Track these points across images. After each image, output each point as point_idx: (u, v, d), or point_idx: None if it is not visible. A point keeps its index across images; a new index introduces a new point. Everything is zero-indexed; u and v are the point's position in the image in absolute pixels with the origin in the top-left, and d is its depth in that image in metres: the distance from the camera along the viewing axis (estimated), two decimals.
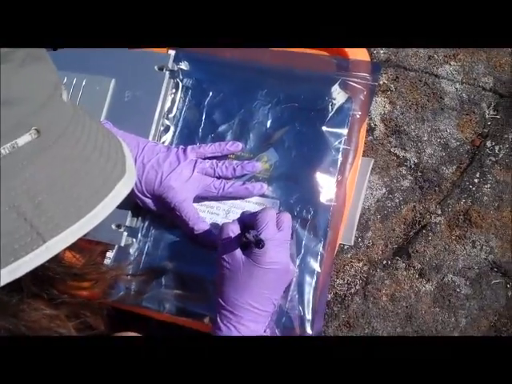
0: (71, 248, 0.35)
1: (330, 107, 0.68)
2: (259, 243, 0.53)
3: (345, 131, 0.67)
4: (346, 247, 0.86)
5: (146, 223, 0.68)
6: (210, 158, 0.66)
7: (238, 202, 0.65)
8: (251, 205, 0.66)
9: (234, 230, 0.58)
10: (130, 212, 0.66)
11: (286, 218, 0.59)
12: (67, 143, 0.37)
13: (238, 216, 0.62)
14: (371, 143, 0.91)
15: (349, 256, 0.87)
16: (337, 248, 0.67)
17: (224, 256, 0.57)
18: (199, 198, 0.66)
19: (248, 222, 0.58)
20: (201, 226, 0.63)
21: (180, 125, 0.71)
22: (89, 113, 0.42)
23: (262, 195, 0.65)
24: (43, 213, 0.34)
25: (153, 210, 0.65)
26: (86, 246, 0.61)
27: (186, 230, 0.64)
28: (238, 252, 0.56)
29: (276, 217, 0.58)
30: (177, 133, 0.70)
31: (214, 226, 0.65)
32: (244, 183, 0.65)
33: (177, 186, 0.62)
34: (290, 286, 0.61)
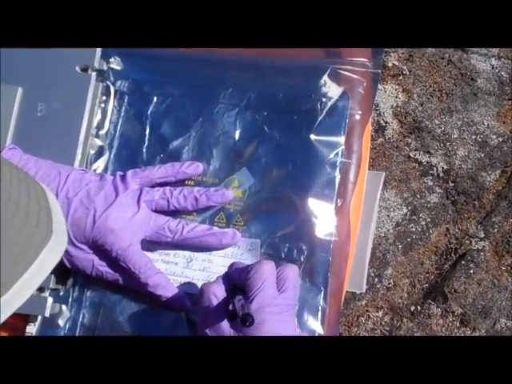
0: None
1: (318, 107, 0.68)
2: (246, 320, 0.51)
3: (341, 139, 0.67)
4: (358, 293, 0.85)
5: (79, 283, 0.67)
6: (161, 186, 0.66)
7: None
8: (220, 251, 0.66)
9: (218, 294, 0.57)
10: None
11: (291, 272, 0.59)
12: None
13: (210, 271, 0.62)
14: (382, 147, 0.90)
15: (363, 304, 0.86)
16: (343, 297, 0.67)
17: (206, 330, 0.57)
18: (148, 244, 0.66)
19: (237, 279, 0.58)
20: (156, 280, 0.63)
21: (116, 144, 0.70)
22: None
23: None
24: None
25: (85, 267, 0.64)
26: None
27: (138, 287, 0.64)
28: (225, 325, 0.56)
29: (277, 272, 0.58)
30: (112, 155, 0.70)
31: (174, 279, 0.66)
32: (211, 228, 0.65)
33: (117, 226, 0.62)
34: None
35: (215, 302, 0.57)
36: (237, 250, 0.66)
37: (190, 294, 0.64)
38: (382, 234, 0.81)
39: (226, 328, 0.56)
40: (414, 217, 0.82)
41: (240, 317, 0.52)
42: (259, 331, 0.55)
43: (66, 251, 0.63)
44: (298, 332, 0.59)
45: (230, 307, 0.56)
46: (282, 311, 0.56)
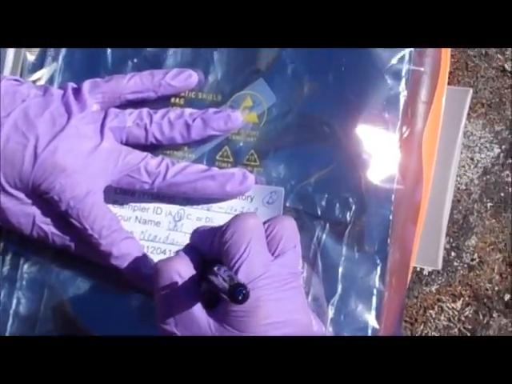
0: None
1: None
2: (238, 294, 0.50)
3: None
4: (427, 273, 0.85)
5: (12, 250, 0.68)
6: (134, 105, 0.67)
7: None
8: (224, 204, 0.67)
9: (183, 272, 0.57)
10: None
11: (287, 226, 0.59)
12: None
13: (190, 236, 0.62)
14: (463, 55, 0.87)
15: (433, 290, 0.85)
16: (410, 277, 0.67)
17: (171, 325, 0.57)
18: (116, 194, 0.67)
19: (208, 249, 0.59)
20: (124, 248, 0.64)
21: None
22: None
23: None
24: None
25: (21, 225, 0.65)
26: None
27: (97, 258, 0.65)
28: (200, 314, 0.56)
29: (266, 229, 0.58)
30: (60, 59, 0.70)
31: (153, 248, 0.67)
32: (209, 169, 0.66)
33: (69, 164, 0.62)
34: None
35: (180, 282, 0.57)
36: (249, 203, 0.66)
37: None
38: (463, 186, 0.79)
39: (201, 318, 0.56)
40: (511, 160, 0.78)
41: (228, 290, 0.51)
42: (253, 317, 0.55)
43: None
44: (311, 316, 0.59)
45: (203, 288, 0.57)
46: (283, 283, 0.56)
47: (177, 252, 0.60)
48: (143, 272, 0.63)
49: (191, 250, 0.60)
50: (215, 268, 0.55)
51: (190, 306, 0.56)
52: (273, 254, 0.57)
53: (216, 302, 0.57)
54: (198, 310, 0.56)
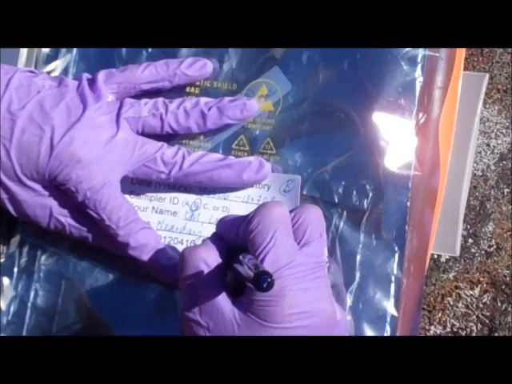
0: None
1: None
2: (263, 282, 0.50)
3: None
4: (445, 260, 0.85)
5: (29, 242, 0.68)
6: (149, 95, 0.67)
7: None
8: (240, 193, 0.67)
9: (209, 261, 0.57)
10: None
11: (313, 215, 0.59)
12: None
13: (216, 225, 0.62)
14: None
15: (451, 277, 0.86)
16: (428, 264, 0.68)
17: (196, 314, 0.56)
18: (132, 184, 0.67)
19: (233, 238, 0.59)
20: (141, 239, 0.64)
21: None
22: None
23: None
24: None
25: (38, 218, 0.65)
26: None
27: (115, 249, 0.65)
28: (225, 303, 0.56)
29: (292, 218, 0.58)
30: (75, 50, 0.70)
31: (170, 238, 0.67)
32: (225, 158, 0.66)
33: (86, 155, 0.62)
34: None
35: (206, 271, 0.57)
36: (265, 191, 0.66)
37: None
38: (479, 173, 0.79)
39: (226, 307, 0.56)
40: None
41: (253, 278, 0.51)
42: (278, 306, 0.54)
43: (9, 192, 0.64)
44: (335, 305, 0.59)
45: (229, 277, 0.57)
46: (308, 273, 0.56)
47: (203, 241, 0.60)
48: (161, 262, 0.64)
49: (217, 238, 0.60)
50: (240, 257, 0.55)
51: (216, 294, 0.56)
52: (298, 243, 0.57)
53: (241, 291, 0.56)
54: (223, 298, 0.56)
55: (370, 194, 0.64)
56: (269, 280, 0.50)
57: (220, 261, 0.57)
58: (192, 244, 0.65)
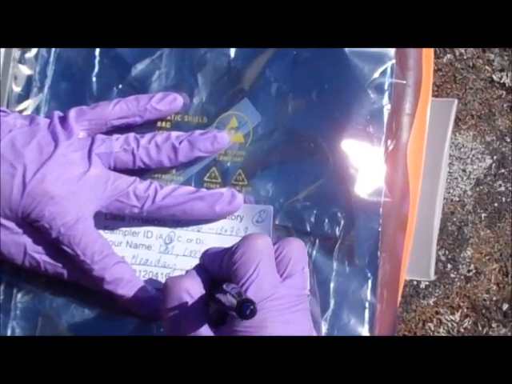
0: None
1: None
2: (246, 309, 0.50)
3: (390, 50, 0.67)
4: (424, 286, 0.85)
5: (5, 280, 0.68)
6: (120, 130, 0.67)
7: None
8: (214, 225, 0.67)
9: (193, 291, 0.57)
10: None
11: (296, 248, 0.59)
12: None
13: (198, 257, 0.62)
14: (451, 68, 0.90)
15: (431, 302, 0.86)
16: (401, 289, 0.69)
17: None
18: (106, 220, 0.67)
19: (217, 269, 0.59)
20: (116, 273, 0.64)
21: (51, 73, 0.71)
22: None
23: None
24: None
25: (13, 256, 0.65)
26: None
27: (90, 284, 0.65)
28: (207, 334, 0.56)
29: (275, 249, 0.58)
30: (46, 89, 0.70)
31: (145, 271, 0.67)
32: (197, 190, 0.66)
33: (58, 191, 0.62)
34: None
35: (190, 301, 0.56)
36: (238, 222, 0.66)
37: None
38: (456, 198, 0.79)
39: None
40: (503, 170, 0.80)
41: (236, 307, 0.51)
42: (259, 333, 0.55)
43: None
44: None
45: (211, 309, 0.57)
46: (290, 305, 0.56)
47: (187, 271, 0.60)
48: (137, 296, 0.63)
49: (201, 270, 0.60)
50: (224, 285, 0.54)
51: (198, 325, 0.56)
52: (281, 276, 0.57)
53: (223, 321, 0.56)
54: (205, 330, 0.56)
55: (342, 222, 0.64)
56: (251, 307, 0.50)
57: (203, 292, 0.57)
58: (167, 277, 0.64)
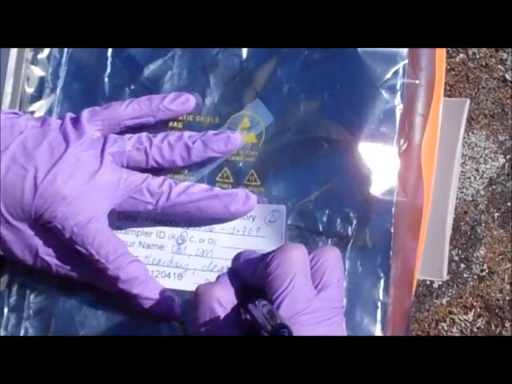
0: None
1: None
2: (278, 329, 0.49)
3: (403, 50, 0.67)
4: (437, 285, 0.85)
5: (18, 282, 0.68)
6: (133, 131, 0.67)
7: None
8: (226, 225, 0.66)
9: (224, 301, 0.56)
10: None
11: (332, 258, 0.58)
12: None
13: (232, 260, 0.62)
14: (464, 67, 0.89)
15: (444, 302, 0.85)
16: (414, 289, 0.68)
17: None
18: (119, 220, 0.67)
19: (250, 277, 0.59)
20: (131, 272, 0.64)
21: (63, 73, 0.71)
22: None
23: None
24: None
25: (25, 257, 0.65)
26: None
27: (104, 284, 0.65)
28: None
29: (310, 260, 0.57)
30: (58, 90, 0.70)
31: (158, 271, 0.67)
32: (211, 189, 0.65)
33: (70, 192, 0.62)
34: None
35: (221, 312, 0.56)
36: (251, 222, 0.66)
37: (182, 294, 0.65)
38: (469, 198, 0.79)
39: None
40: None
41: (269, 330, 0.50)
42: None
43: None
44: None
45: (243, 316, 0.55)
46: (324, 319, 0.55)
47: (218, 277, 0.60)
48: (151, 295, 0.63)
49: (233, 275, 0.60)
50: (256, 302, 0.54)
51: (229, 335, 0.55)
52: (316, 287, 0.56)
53: (254, 333, 0.55)
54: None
55: (354, 222, 0.64)
56: (286, 333, 0.49)
57: (235, 301, 0.57)
58: (179, 277, 0.65)
